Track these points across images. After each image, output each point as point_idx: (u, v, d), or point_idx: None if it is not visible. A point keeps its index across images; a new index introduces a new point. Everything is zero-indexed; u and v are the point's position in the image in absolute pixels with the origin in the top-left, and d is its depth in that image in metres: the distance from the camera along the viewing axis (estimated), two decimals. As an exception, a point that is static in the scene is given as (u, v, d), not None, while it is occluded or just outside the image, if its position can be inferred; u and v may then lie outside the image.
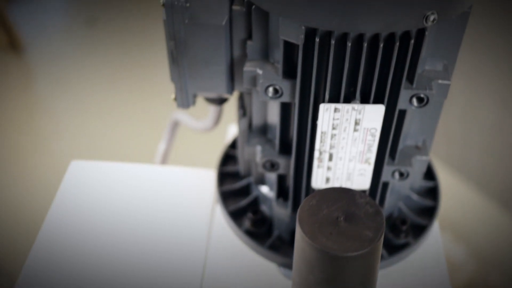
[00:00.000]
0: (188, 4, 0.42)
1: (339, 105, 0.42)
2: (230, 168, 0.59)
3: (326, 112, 0.42)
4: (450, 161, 1.47)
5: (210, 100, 0.52)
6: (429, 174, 0.59)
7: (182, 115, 0.63)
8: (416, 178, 0.53)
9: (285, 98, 0.44)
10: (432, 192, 0.58)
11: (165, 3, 0.42)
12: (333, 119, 0.43)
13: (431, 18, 0.38)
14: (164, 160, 0.68)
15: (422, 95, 0.42)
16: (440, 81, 0.43)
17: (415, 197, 0.56)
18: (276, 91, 0.43)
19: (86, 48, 2.15)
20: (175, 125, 0.67)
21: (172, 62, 0.45)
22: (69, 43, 2.20)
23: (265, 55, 0.44)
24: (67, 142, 1.75)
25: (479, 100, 1.46)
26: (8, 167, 1.64)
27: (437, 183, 0.58)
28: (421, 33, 0.40)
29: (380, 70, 0.41)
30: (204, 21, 0.43)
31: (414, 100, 0.43)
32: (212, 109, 0.55)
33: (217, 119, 0.56)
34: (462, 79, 1.41)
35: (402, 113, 0.44)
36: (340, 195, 0.38)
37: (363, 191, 0.48)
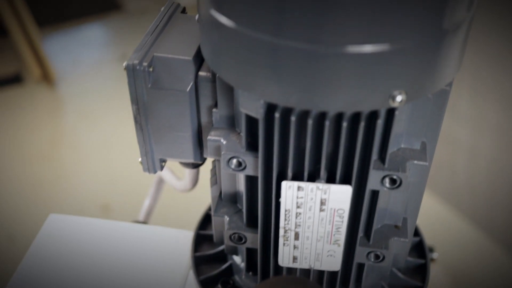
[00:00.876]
0: (151, 69, 0.41)
1: (302, 184, 0.39)
2: (210, 230, 0.57)
3: (289, 190, 0.39)
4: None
5: (184, 164, 0.50)
6: (420, 249, 0.55)
7: (166, 172, 0.61)
8: (399, 259, 0.49)
9: (249, 171, 0.41)
10: (422, 270, 0.54)
11: (126, 67, 0.40)
12: (297, 197, 0.40)
13: (399, 98, 0.35)
14: (148, 216, 0.66)
15: (395, 177, 0.39)
16: (415, 162, 0.40)
17: (400, 276, 0.52)
18: (239, 163, 0.41)
19: (117, 83, 2.18)
20: (161, 181, 0.65)
21: (136, 126, 0.43)
22: (101, 78, 2.23)
23: (232, 124, 0.42)
24: (89, 175, 1.75)
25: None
26: (32, 198, 1.65)
27: (427, 260, 0.54)
28: (391, 112, 0.37)
29: (345, 150, 0.38)
30: (168, 86, 0.41)
31: (387, 181, 0.39)
32: (187, 171, 0.52)
33: (195, 181, 0.54)
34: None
35: (375, 193, 0.41)
36: (291, 286, 0.35)
37: (320, 283, 0.45)
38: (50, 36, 2.42)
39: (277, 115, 0.36)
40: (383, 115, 0.37)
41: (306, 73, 0.34)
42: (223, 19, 0.35)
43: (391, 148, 0.40)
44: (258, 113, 0.37)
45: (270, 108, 0.37)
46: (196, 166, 0.50)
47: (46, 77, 2.18)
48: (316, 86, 0.34)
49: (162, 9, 0.47)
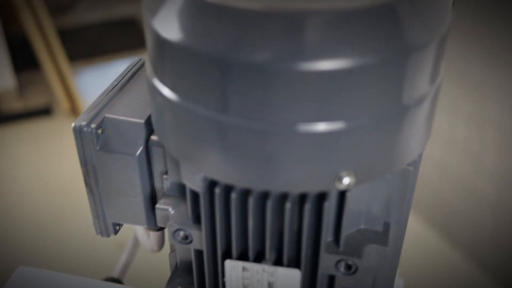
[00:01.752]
0: (100, 131, 0.39)
1: (247, 264, 0.36)
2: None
3: (234, 270, 0.36)
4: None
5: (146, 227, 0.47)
6: None
7: (140, 229, 0.58)
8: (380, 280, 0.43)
9: (196, 246, 0.38)
10: None
11: (73, 128, 0.38)
12: (243, 278, 0.37)
13: (346, 180, 0.31)
14: (123, 273, 0.64)
15: (350, 262, 0.35)
16: (376, 246, 0.36)
17: None
18: (186, 236, 0.38)
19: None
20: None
21: (86, 188, 0.41)
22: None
23: (183, 192, 0.39)
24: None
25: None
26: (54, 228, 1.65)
27: None
28: (343, 193, 0.33)
29: (291, 231, 0.34)
30: (117, 149, 0.39)
31: (342, 266, 0.36)
32: (151, 233, 0.50)
33: (161, 243, 0.51)
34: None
35: (333, 276, 0.38)
36: None
37: None
38: (81, 71, 2.47)
39: (217, 191, 0.34)
40: (334, 196, 0.34)
41: (245, 151, 0.31)
42: (165, 90, 0.32)
43: (348, 230, 0.36)
44: (199, 187, 0.34)
45: (212, 183, 0.34)
46: (159, 228, 0.47)
47: (75, 111, 2.21)
48: (256, 165, 0.31)
49: (127, 66, 0.45)
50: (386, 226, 0.37)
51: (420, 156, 0.37)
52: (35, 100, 2.27)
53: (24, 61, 2.34)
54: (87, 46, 2.61)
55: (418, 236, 1.55)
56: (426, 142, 0.36)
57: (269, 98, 0.29)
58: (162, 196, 0.40)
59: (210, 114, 0.31)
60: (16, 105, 2.24)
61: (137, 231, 0.58)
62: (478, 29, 1.27)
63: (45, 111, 2.22)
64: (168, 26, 0.31)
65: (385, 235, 0.37)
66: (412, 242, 1.51)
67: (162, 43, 0.31)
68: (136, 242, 0.63)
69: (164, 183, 0.39)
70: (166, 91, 0.32)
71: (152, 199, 0.42)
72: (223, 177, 0.33)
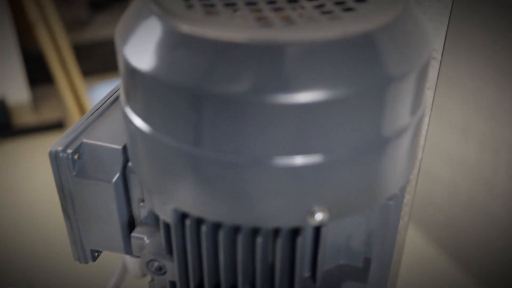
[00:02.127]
0: (76, 156, 0.38)
1: (220, 298, 0.35)
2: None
3: (207, 304, 0.35)
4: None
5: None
6: None
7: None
8: None
9: (170, 277, 0.37)
10: None
11: (49, 154, 0.38)
12: (216, 312, 0.35)
13: (319, 216, 0.30)
14: (112, 296, 0.63)
15: (327, 299, 0.34)
16: (354, 283, 0.35)
17: None
18: (160, 267, 0.37)
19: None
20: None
21: (63, 214, 0.40)
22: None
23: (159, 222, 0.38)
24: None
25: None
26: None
27: None
28: (319, 229, 0.32)
29: (264, 266, 0.33)
30: (93, 175, 0.38)
31: (319, 303, 0.34)
32: (134, 260, 0.49)
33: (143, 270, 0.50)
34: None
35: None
36: None
37: None
38: (95, 86, 2.48)
39: (188, 223, 0.33)
40: (309, 230, 0.32)
41: (215, 184, 0.30)
42: (136, 120, 0.32)
43: (327, 265, 0.35)
44: (170, 218, 0.33)
45: (183, 215, 0.33)
46: (141, 255, 0.46)
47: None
48: (226, 198, 0.30)
49: (110, 90, 0.44)
50: (367, 262, 0.36)
51: (403, 189, 0.35)
52: (48, 114, 2.29)
53: (39, 75, 2.37)
54: (101, 61, 2.63)
55: (428, 259, 1.52)
56: (409, 175, 0.35)
57: (240, 131, 0.28)
58: (139, 224, 0.39)
59: (180, 146, 0.30)
60: (29, 118, 2.26)
61: (124, 255, 0.57)
62: (491, 50, 1.25)
63: (58, 125, 2.24)
64: (138, 55, 0.30)
65: (365, 271, 0.35)
66: (421, 264, 1.48)
67: (132, 72, 0.30)
68: (125, 266, 0.62)
69: (141, 210, 0.38)
70: (138, 121, 0.32)
71: (130, 227, 0.41)
72: (193, 210, 0.32)
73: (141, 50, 0.30)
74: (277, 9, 0.31)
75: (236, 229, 0.32)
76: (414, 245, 1.52)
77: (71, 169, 0.38)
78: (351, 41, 0.28)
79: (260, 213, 0.30)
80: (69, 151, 0.37)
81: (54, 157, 0.38)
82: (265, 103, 0.27)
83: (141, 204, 0.38)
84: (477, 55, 1.31)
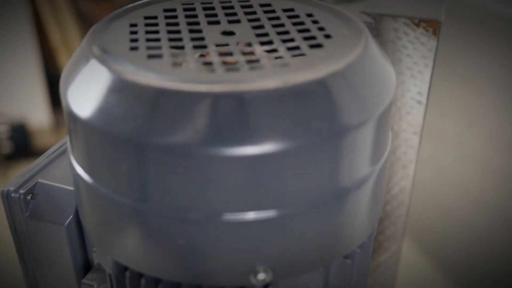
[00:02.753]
0: (29, 197, 0.36)
1: None
2: None
3: None
4: None
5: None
6: None
7: None
8: None
9: (118, 327, 0.35)
10: None
11: (1, 193, 0.36)
12: None
13: (261, 276, 0.28)
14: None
15: None
16: None
17: None
18: (108, 317, 0.35)
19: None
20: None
21: (18, 256, 0.39)
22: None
23: (112, 268, 0.36)
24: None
25: None
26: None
27: None
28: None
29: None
30: (45, 217, 0.37)
31: None
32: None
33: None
34: None
35: None
36: None
37: None
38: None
39: (128, 275, 0.31)
40: (257, 288, 0.30)
41: (153, 240, 0.28)
42: (77, 167, 0.30)
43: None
44: (110, 269, 0.31)
45: (124, 267, 0.31)
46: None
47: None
48: (164, 255, 0.28)
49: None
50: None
51: (364, 245, 0.33)
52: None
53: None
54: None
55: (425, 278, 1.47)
56: (371, 228, 0.33)
57: (186, 186, 0.26)
58: (92, 270, 0.37)
59: (120, 200, 0.28)
60: (50, 140, 2.28)
61: None
62: (478, 97, 1.22)
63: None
64: (78, 100, 0.28)
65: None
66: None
67: (72, 118, 0.29)
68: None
69: (94, 255, 0.37)
70: (79, 169, 0.30)
71: (87, 271, 0.39)
72: (132, 264, 0.30)
73: (81, 95, 0.28)
74: (226, 54, 0.29)
75: (176, 285, 0.30)
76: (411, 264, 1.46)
77: (23, 210, 0.37)
78: (304, 89, 0.27)
79: (202, 271, 0.28)
80: (22, 191, 0.36)
81: (6, 197, 0.36)
82: (211, 156, 0.25)
83: (94, 249, 0.37)
84: (496, 92, 1.28)
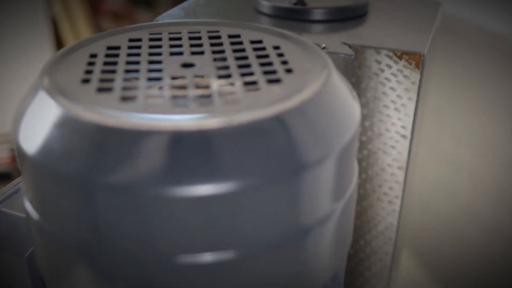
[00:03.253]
0: (-9, 227, 0.36)
1: None
2: None
3: None
4: None
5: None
6: None
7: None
8: None
9: None
10: None
11: (-38, 223, 0.36)
12: None
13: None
14: None
15: None
16: None
17: None
18: None
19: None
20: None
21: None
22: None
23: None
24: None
25: None
26: None
27: None
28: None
29: None
30: (6, 248, 0.36)
31: None
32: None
33: None
34: None
35: None
36: None
37: None
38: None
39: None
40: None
41: (102, 282, 0.27)
42: (26, 202, 0.29)
43: None
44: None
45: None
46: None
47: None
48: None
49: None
50: None
51: (328, 287, 0.31)
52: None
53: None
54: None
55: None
56: (338, 266, 0.31)
57: (137, 227, 0.25)
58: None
59: (66, 239, 0.27)
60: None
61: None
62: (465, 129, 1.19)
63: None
64: (26, 134, 0.28)
65: None
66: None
67: (19, 151, 0.28)
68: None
69: (52, 291, 0.36)
70: (28, 204, 0.29)
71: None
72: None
73: (28, 128, 0.28)
74: (180, 87, 0.28)
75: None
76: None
77: (-16, 241, 0.36)
78: (258, 125, 0.25)
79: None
80: (-17, 221, 0.35)
81: (-34, 227, 0.36)
82: (156, 196, 0.24)
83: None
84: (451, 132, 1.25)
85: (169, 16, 0.48)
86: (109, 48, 0.32)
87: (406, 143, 0.44)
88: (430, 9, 0.50)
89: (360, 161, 0.46)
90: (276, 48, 0.33)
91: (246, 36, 0.34)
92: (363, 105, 0.43)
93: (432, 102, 1.25)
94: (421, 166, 1.29)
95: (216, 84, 0.28)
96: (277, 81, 0.29)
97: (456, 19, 1.18)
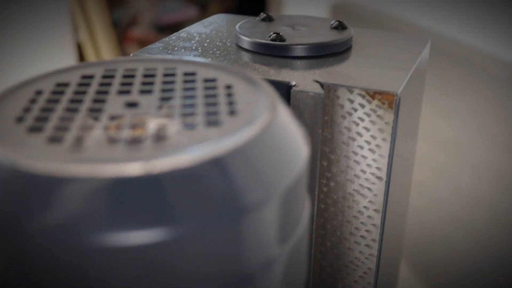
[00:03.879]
0: None
1: None
2: None
3: None
4: None
5: None
6: None
7: None
8: None
9: None
10: None
11: None
12: None
13: None
14: None
15: None
16: None
17: None
18: None
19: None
20: None
21: None
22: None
23: None
24: None
25: None
26: None
27: None
28: None
29: None
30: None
31: None
32: None
33: None
34: None
35: None
36: None
37: None
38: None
39: None
40: None
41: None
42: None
43: None
44: None
45: None
46: None
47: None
48: None
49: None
50: None
51: None
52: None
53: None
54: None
55: None
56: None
57: (58, 274, 0.24)
58: None
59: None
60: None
61: None
62: None
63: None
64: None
65: None
66: None
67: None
68: None
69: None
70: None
71: None
72: None
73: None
74: (113, 128, 0.27)
75: None
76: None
77: None
78: (189, 171, 0.24)
79: None
80: None
81: None
82: (80, 247, 0.23)
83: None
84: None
85: (147, 50, 0.47)
86: (58, 85, 0.32)
87: (382, 185, 0.42)
88: (415, 46, 0.49)
89: (335, 202, 0.44)
90: (228, 87, 0.32)
91: (202, 75, 0.33)
92: (337, 145, 0.41)
93: (448, 134, 1.22)
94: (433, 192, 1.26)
95: (152, 126, 0.27)
96: (216, 123, 0.27)
97: (476, 51, 1.16)
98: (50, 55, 1.85)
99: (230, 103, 0.30)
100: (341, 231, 0.45)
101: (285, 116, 0.30)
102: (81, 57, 2.15)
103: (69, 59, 1.90)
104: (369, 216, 0.43)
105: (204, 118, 0.28)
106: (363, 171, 0.42)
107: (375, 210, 0.43)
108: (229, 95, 0.31)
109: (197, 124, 0.27)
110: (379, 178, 0.42)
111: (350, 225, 0.44)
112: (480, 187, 1.17)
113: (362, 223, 0.44)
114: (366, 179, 0.42)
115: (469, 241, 1.26)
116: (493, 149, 1.12)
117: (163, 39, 0.51)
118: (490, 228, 1.17)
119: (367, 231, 0.44)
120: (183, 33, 0.53)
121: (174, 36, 0.52)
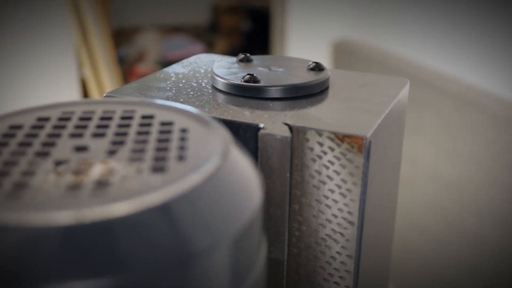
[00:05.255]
0: None
1: None
2: None
3: None
4: None
5: None
6: None
7: None
8: None
9: None
10: None
11: None
12: None
13: None
14: None
15: None
16: None
17: None
18: None
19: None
20: None
21: None
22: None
23: None
24: None
25: None
26: None
27: None
28: None
29: None
30: None
31: None
32: None
33: None
34: None
35: None
36: None
37: None
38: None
39: None
40: None
41: None
42: None
43: None
44: None
45: None
46: None
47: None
48: None
49: None
50: None
51: None
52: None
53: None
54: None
55: None
56: None
57: None
58: None
59: None
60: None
61: None
62: None
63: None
64: None
65: None
66: None
67: None
68: None
69: None
70: None
71: None
72: None
73: None
74: (56, 174, 0.26)
75: None
76: None
77: None
78: (99, 223, 0.24)
79: None
80: None
81: None
82: None
83: None
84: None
85: (121, 90, 0.47)
86: (10, 127, 0.31)
87: (354, 230, 0.41)
88: (393, 88, 0.48)
89: (308, 247, 0.43)
90: (184, 131, 0.31)
91: (160, 118, 0.33)
92: (308, 189, 0.40)
93: (452, 175, 1.20)
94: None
95: (95, 172, 0.27)
96: (162, 169, 0.27)
97: (479, 91, 1.15)
98: (55, 91, 1.87)
99: (181, 148, 0.29)
100: (314, 277, 0.43)
101: (238, 160, 0.29)
102: (85, 92, 2.17)
103: (73, 95, 1.91)
104: (342, 262, 0.42)
105: (151, 163, 0.27)
106: (335, 216, 0.41)
107: (348, 255, 0.42)
108: (183, 139, 0.30)
109: (142, 170, 0.27)
110: (350, 223, 0.41)
111: (324, 271, 0.43)
112: (483, 229, 1.14)
113: (335, 269, 0.43)
114: (338, 224, 0.41)
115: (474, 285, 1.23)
116: (494, 190, 1.10)
117: (140, 79, 0.51)
118: (494, 268, 1.14)
119: (340, 277, 0.43)
120: (160, 73, 0.53)
121: (152, 76, 0.52)
